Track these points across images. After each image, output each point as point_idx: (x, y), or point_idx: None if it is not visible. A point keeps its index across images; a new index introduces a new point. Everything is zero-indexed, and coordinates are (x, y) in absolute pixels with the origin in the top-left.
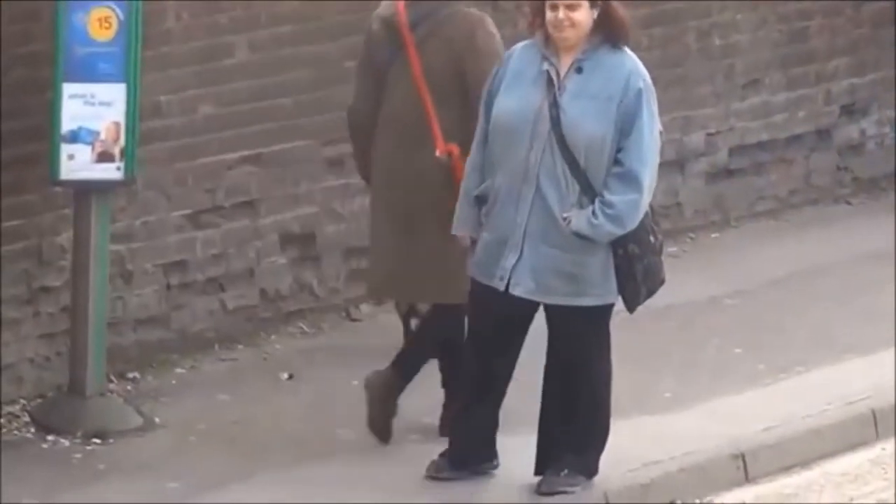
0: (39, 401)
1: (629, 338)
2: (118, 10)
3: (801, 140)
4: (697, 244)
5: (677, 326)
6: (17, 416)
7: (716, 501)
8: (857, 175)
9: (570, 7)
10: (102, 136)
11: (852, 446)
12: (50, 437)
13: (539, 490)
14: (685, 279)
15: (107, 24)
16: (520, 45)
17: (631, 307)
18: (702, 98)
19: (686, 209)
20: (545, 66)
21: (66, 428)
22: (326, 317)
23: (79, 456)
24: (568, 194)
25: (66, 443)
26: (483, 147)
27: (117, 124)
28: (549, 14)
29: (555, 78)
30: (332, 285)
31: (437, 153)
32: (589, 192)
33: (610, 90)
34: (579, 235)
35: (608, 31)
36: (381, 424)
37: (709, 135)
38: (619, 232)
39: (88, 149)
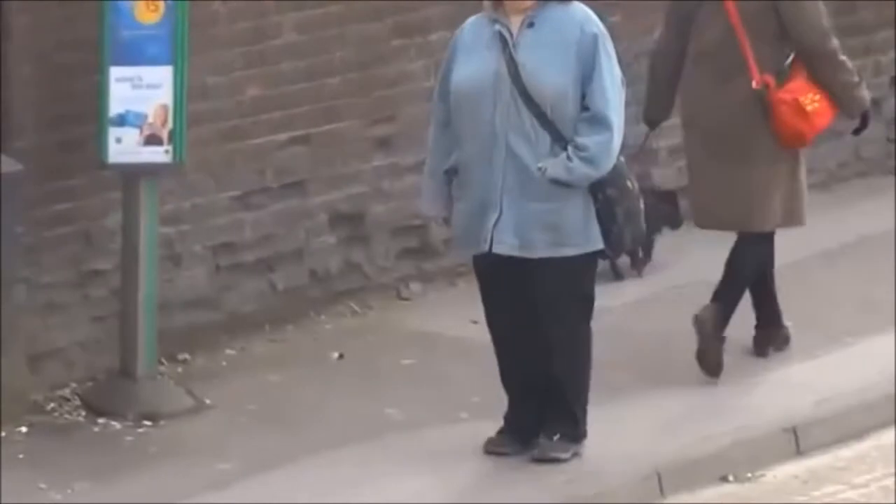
0: (90, 384)
1: (681, 311)
2: None
3: None
4: None
5: None
6: (68, 400)
7: (767, 475)
8: None
9: None
10: (150, 119)
11: None
12: (101, 420)
13: (533, 457)
14: None
15: (153, 7)
16: (468, 21)
17: (616, 252)
18: None
19: None
20: (496, 27)
21: (117, 410)
22: (376, 296)
23: (130, 439)
24: (539, 146)
25: (118, 425)
26: (443, 128)
27: (165, 107)
28: None
29: (507, 36)
30: (381, 264)
31: (754, 85)
32: (560, 141)
33: (565, 39)
34: (557, 182)
35: None
36: (713, 358)
37: None
38: (594, 174)
39: (136, 132)
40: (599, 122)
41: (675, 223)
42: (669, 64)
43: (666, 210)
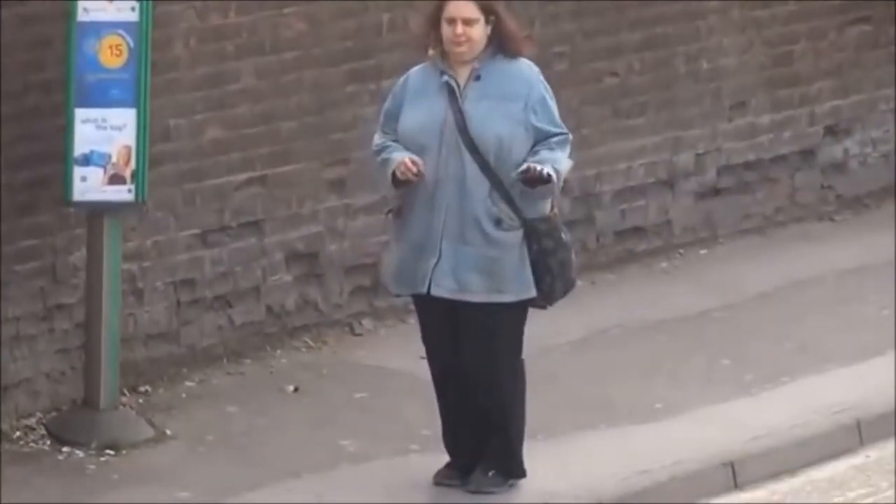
0: (55, 414)
1: (622, 350)
2: (128, 38)
3: (786, 160)
4: (687, 260)
5: (668, 339)
6: (34, 429)
7: None
8: (840, 193)
9: (467, 22)
10: (114, 160)
11: (837, 454)
12: (65, 449)
13: (467, 488)
14: (675, 293)
15: (117, 52)
16: (414, 68)
17: (547, 302)
18: (690, 120)
19: (675, 226)
20: (444, 77)
21: (80, 440)
22: (330, 332)
23: (93, 467)
24: (479, 193)
25: (81, 454)
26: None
27: (128, 148)
28: (446, 29)
29: (455, 87)
30: (335, 301)
31: None
32: (500, 189)
33: (511, 93)
34: (535, 181)
35: (500, 44)
36: None
37: (697, 155)
38: (559, 160)
39: (101, 171)
40: (558, 144)
41: None
42: None
43: None
